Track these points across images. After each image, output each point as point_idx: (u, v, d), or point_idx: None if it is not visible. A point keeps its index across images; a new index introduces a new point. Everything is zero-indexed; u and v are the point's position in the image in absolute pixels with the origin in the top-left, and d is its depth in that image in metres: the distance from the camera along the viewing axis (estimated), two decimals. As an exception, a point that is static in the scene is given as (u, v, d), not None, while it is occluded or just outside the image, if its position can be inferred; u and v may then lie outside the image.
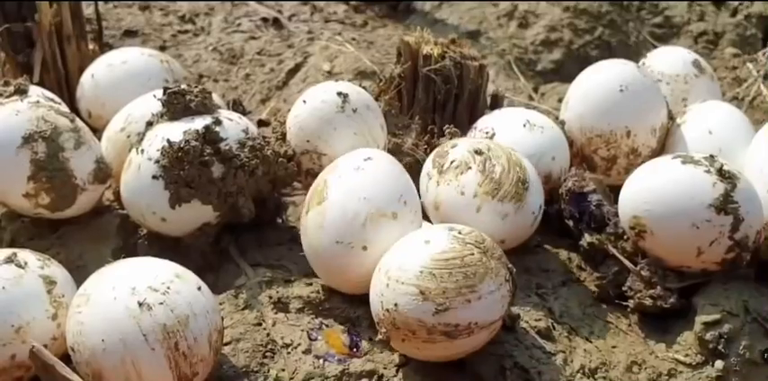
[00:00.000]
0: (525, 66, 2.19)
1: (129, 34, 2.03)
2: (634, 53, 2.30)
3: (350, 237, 1.04)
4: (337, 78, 1.83)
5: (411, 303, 0.93)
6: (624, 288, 1.17)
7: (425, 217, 1.17)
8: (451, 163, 1.17)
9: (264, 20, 2.20)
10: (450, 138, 1.32)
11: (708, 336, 1.09)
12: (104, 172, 1.25)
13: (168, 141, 1.15)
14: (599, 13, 2.37)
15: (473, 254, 0.96)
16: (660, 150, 1.38)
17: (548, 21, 2.33)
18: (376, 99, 1.42)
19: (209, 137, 1.17)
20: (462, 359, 1.01)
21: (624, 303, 1.18)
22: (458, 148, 1.19)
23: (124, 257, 1.05)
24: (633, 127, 1.31)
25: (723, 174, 1.11)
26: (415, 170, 1.27)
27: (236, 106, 1.51)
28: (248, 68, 1.97)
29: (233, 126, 1.21)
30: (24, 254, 1.04)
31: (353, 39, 2.11)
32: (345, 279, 1.08)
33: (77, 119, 1.25)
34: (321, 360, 1.02)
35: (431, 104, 1.46)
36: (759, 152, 1.23)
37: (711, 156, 1.15)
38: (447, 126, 1.34)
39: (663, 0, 2.46)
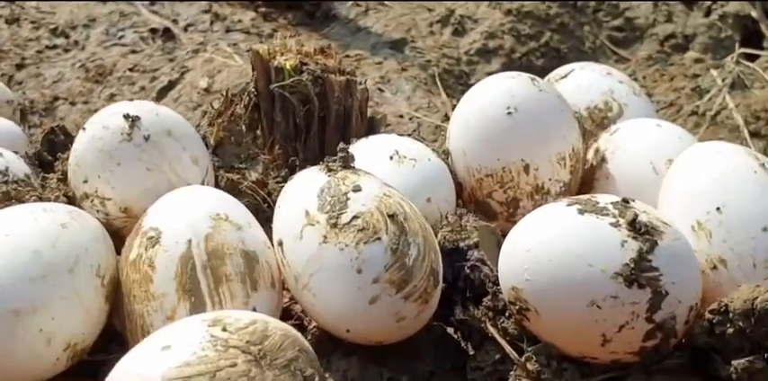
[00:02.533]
0: (455, 80, 1.88)
1: (-17, 51, 1.73)
2: (591, 61, 1.98)
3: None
4: (213, 98, 1.53)
5: (126, 448, 0.61)
6: (508, 386, 0.84)
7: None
8: (352, 219, 0.82)
9: (153, 31, 1.90)
10: (344, 167, 0.90)
11: None
12: None
13: None
14: (547, 15, 2.06)
15: (234, 365, 0.63)
16: (578, 183, 1.06)
17: (486, 26, 2.02)
18: (210, 124, 1.11)
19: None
20: None
21: (506, 408, 0.84)
22: (362, 196, 0.83)
23: None
24: (532, 158, 0.99)
25: (637, 228, 0.78)
26: (258, 214, 0.96)
27: (55, 135, 1.19)
28: (115, 87, 1.66)
29: (-19, 166, 0.89)
30: None
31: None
32: None
33: None
34: None
35: (290, 130, 1.15)
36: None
37: (625, 201, 0.82)
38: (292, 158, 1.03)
39: (624, 0, 2.15)
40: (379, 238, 0.79)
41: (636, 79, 1.66)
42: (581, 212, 0.80)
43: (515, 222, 0.97)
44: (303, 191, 0.85)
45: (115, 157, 0.91)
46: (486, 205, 1.04)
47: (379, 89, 1.72)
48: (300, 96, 1.11)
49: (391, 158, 0.98)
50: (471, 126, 1.01)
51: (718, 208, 0.86)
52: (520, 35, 2.01)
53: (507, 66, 1.94)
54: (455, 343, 0.91)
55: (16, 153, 1.00)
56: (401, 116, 1.58)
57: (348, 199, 0.82)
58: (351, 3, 2.13)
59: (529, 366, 0.82)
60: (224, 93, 1.13)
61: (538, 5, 2.06)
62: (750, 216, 0.86)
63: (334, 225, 0.81)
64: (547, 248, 0.79)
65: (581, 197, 0.84)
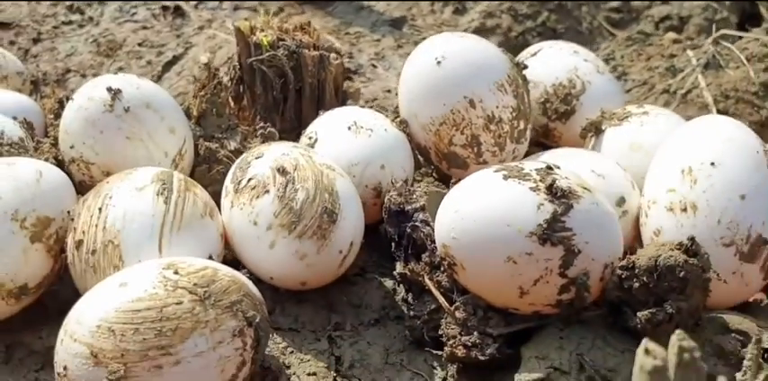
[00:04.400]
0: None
1: (3, 26, 1.85)
2: (587, 41, 2.03)
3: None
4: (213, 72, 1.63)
5: (81, 367, 0.72)
6: (441, 333, 0.93)
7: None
8: (248, 181, 0.95)
9: (165, 8, 2.00)
10: (263, 142, 1.10)
11: (527, 400, 0.85)
12: None
13: None
14: (545, -5, 2.11)
15: (180, 303, 0.74)
16: (530, 108, 1.15)
17: (485, 5, 2.08)
18: (194, 96, 1.21)
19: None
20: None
21: (437, 351, 0.94)
22: (261, 161, 0.97)
23: None
24: (472, 92, 1.07)
25: (554, 192, 0.86)
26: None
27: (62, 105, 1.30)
28: (123, 61, 1.76)
29: (-24, 130, 1.00)
30: None
31: (256, 27, 1.90)
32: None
33: None
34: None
35: (270, 102, 1.24)
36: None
37: (549, 168, 0.90)
38: (258, 125, 1.12)
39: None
40: (267, 191, 0.91)
41: (613, 58, 1.72)
42: (505, 178, 0.88)
43: (484, 163, 1.07)
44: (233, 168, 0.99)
45: (98, 126, 1.02)
46: (453, 154, 1.11)
47: (373, 65, 1.80)
48: (277, 70, 1.20)
49: (349, 128, 1.07)
50: (411, 86, 1.10)
51: (712, 163, 0.94)
52: (517, 15, 2.06)
53: (504, 45, 1.99)
54: (397, 294, 1.00)
55: (15, 118, 1.12)
56: (389, 91, 1.66)
57: (249, 166, 0.95)
58: (357, -19, 2.21)
59: (457, 314, 0.91)
60: (207, 67, 1.22)
61: (538, -15, 2.11)
62: (736, 181, 0.94)
63: (236, 190, 0.94)
64: (471, 209, 0.88)
65: (509, 164, 0.92)
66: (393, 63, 1.82)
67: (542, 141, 1.33)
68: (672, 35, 1.72)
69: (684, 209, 0.95)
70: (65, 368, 0.73)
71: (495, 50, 1.13)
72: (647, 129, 1.18)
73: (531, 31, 2.06)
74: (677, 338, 0.52)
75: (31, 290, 0.91)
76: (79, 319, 0.74)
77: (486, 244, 0.86)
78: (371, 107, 1.17)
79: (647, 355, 0.50)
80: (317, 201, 0.92)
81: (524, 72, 1.16)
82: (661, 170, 1.00)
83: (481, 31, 2.04)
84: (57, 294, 0.95)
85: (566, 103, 1.29)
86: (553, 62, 1.32)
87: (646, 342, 0.52)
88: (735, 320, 0.91)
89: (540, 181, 0.88)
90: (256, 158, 0.97)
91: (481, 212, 0.87)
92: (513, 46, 1.98)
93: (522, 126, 1.11)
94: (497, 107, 1.08)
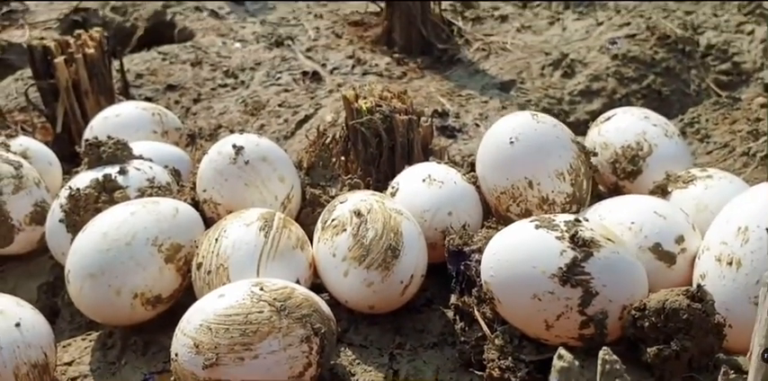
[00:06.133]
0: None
1: (171, 88, 2.23)
2: (694, 103, 2.15)
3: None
4: (327, 130, 1.89)
5: (186, 354, 0.96)
6: (484, 357, 1.10)
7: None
8: (332, 220, 1.18)
9: (305, 73, 2.31)
10: (350, 190, 1.33)
11: (546, 417, 1.00)
12: (42, 215, 1.39)
13: (69, 188, 1.27)
14: (652, 60, 2.24)
15: (261, 312, 0.97)
16: (586, 193, 1.29)
17: (592, 69, 2.24)
18: (306, 151, 1.46)
19: (107, 185, 1.28)
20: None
21: (480, 373, 1.11)
22: (344, 205, 1.20)
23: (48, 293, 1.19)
24: (533, 176, 1.23)
25: (576, 241, 1.02)
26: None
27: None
28: (265, 119, 2.08)
29: (138, 175, 1.31)
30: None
31: (380, 90, 2.16)
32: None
33: (24, 167, 1.40)
34: (142, 402, 1.07)
35: (368, 157, 1.48)
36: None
37: (576, 220, 1.06)
38: (349, 177, 1.35)
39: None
40: (344, 229, 1.12)
41: (698, 122, 1.82)
42: (537, 227, 1.06)
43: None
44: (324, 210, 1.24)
45: (224, 174, 1.29)
46: (508, 218, 1.29)
47: (476, 124, 2.01)
48: (373, 131, 1.44)
49: (423, 180, 1.28)
50: (486, 156, 1.28)
51: (767, 229, 1.05)
52: (623, 78, 2.21)
53: (607, 106, 2.14)
54: (453, 322, 1.18)
55: (166, 166, 1.42)
56: (485, 148, 1.85)
57: (334, 208, 1.18)
58: (476, 47, 2.44)
59: (497, 341, 1.08)
60: (317, 128, 1.48)
61: (644, 51, 2.25)
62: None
63: (323, 228, 1.16)
64: (505, 252, 1.06)
65: (544, 216, 1.09)
66: (494, 123, 2.01)
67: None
68: (761, 100, 1.80)
69: (730, 263, 1.07)
70: (176, 355, 0.97)
71: (566, 139, 1.27)
72: (712, 192, 1.30)
73: (635, 94, 2.19)
74: (602, 353, 0.67)
75: (164, 300, 1.18)
76: (189, 319, 0.98)
77: (516, 283, 1.04)
78: (447, 163, 1.37)
79: (558, 359, 0.66)
80: (383, 239, 1.13)
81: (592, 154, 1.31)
82: (721, 223, 1.12)
83: (586, 94, 2.20)
84: (183, 304, 1.21)
85: (633, 164, 1.43)
86: (624, 126, 1.47)
87: (560, 349, 0.68)
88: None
89: (566, 231, 1.04)
90: (341, 203, 1.19)
91: (513, 255, 1.04)
92: (617, 107, 2.13)
93: (574, 209, 1.26)
94: (552, 191, 1.24)
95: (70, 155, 1.77)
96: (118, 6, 2.70)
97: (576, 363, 0.68)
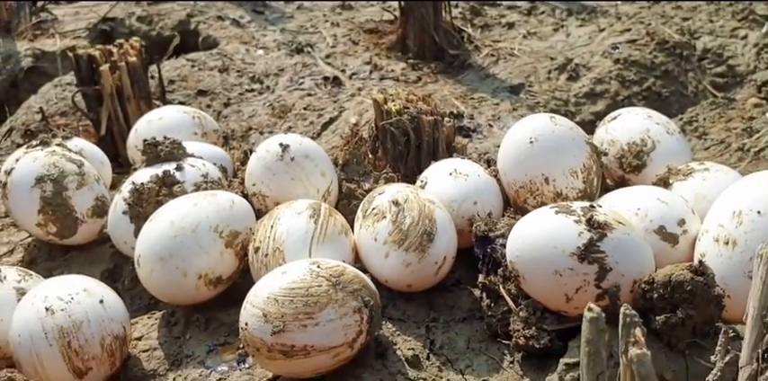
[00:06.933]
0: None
1: (202, 93, 2.37)
2: (692, 103, 2.29)
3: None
4: (360, 130, 2.04)
5: (256, 323, 1.10)
6: (510, 328, 1.25)
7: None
8: (373, 209, 1.32)
9: (326, 78, 2.46)
10: (385, 183, 1.47)
11: (567, 377, 1.14)
12: (102, 209, 1.53)
13: (133, 183, 1.41)
14: (652, 63, 2.38)
15: (320, 286, 1.11)
16: (597, 189, 1.43)
17: (596, 73, 2.38)
18: (340, 149, 1.61)
19: (167, 180, 1.42)
20: (324, 377, 1.16)
21: (507, 342, 1.25)
22: (382, 196, 1.34)
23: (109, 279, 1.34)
24: (549, 173, 1.38)
25: (592, 224, 1.17)
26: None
27: (246, 155, 1.76)
28: (292, 121, 2.22)
29: (193, 171, 1.45)
30: (7, 271, 1.32)
31: (396, 94, 2.30)
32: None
33: (85, 166, 1.54)
34: (209, 370, 1.21)
35: (397, 154, 1.62)
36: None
37: (591, 206, 1.21)
38: (384, 171, 1.50)
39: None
40: (384, 217, 1.27)
41: (697, 120, 1.96)
42: (556, 212, 1.20)
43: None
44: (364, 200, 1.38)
45: (272, 170, 1.43)
46: (525, 209, 1.43)
47: (490, 125, 2.15)
48: (402, 131, 1.58)
49: (450, 174, 1.42)
50: (506, 151, 1.43)
51: (759, 212, 1.19)
52: (625, 80, 2.36)
53: (611, 108, 2.28)
54: (483, 301, 1.33)
55: (215, 164, 1.56)
56: (499, 146, 2.00)
57: (374, 199, 1.33)
58: (485, 53, 2.59)
59: (521, 314, 1.23)
60: (351, 128, 1.62)
61: (644, 55, 2.39)
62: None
63: (364, 216, 1.31)
64: (529, 234, 1.20)
65: (562, 203, 1.24)
66: (507, 123, 2.15)
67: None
68: (754, 100, 1.95)
69: (727, 243, 1.22)
70: (246, 324, 1.11)
71: (581, 140, 1.40)
72: (710, 184, 1.45)
73: (637, 95, 2.34)
74: (623, 308, 0.81)
75: (223, 281, 1.32)
76: (256, 292, 1.13)
77: (539, 261, 1.18)
78: (469, 158, 1.51)
79: (588, 311, 0.80)
80: (419, 225, 1.27)
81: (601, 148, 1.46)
82: (718, 208, 1.27)
83: (590, 96, 2.35)
84: (240, 285, 1.35)
85: (638, 159, 1.58)
86: (629, 124, 1.62)
87: (590, 303, 0.82)
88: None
89: (583, 215, 1.19)
90: (379, 194, 1.34)
91: (536, 236, 1.19)
92: (620, 108, 2.28)
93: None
94: (566, 187, 1.38)
95: (114, 156, 1.92)
96: (143, 16, 2.85)
97: (603, 314, 0.82)
